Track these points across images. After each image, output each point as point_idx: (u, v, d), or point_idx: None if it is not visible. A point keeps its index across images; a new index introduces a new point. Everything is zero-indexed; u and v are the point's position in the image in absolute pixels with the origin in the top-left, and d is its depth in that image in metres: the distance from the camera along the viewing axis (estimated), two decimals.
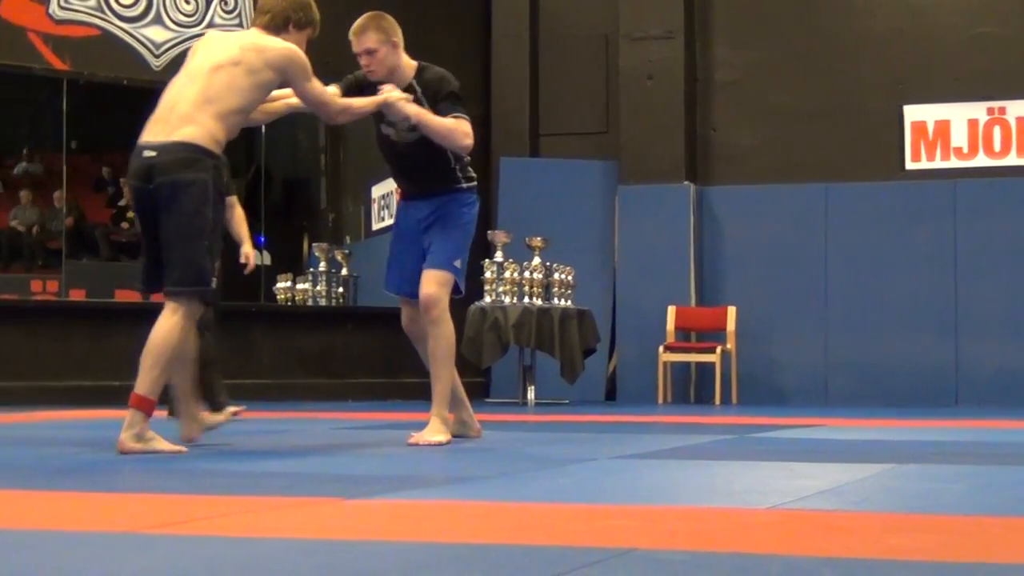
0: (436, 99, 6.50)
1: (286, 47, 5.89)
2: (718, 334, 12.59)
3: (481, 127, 13.56)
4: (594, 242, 13.13)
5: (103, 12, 11.38)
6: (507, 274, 11.70)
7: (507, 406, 11.52)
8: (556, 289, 11.83)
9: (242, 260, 8.33)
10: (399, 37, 6.75)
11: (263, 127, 13.04)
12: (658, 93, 13.01)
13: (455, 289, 6.50)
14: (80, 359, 10.82)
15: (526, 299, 11.70)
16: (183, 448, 5.70)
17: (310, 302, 13.16)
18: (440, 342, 6.48)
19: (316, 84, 6.07)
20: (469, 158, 6.75)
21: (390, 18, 6.83)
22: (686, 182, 12.90)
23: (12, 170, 16.06)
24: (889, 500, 4.21)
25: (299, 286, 13.28)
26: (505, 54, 13.61)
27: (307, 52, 6.11)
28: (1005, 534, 3.39)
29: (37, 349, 10.63)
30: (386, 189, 14.31)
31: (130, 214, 12.83)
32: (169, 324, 5.62)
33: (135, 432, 5.53)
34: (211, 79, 5.72)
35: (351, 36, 6.61)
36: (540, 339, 11.56)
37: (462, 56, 13.47)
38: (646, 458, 5.80)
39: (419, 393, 12.65)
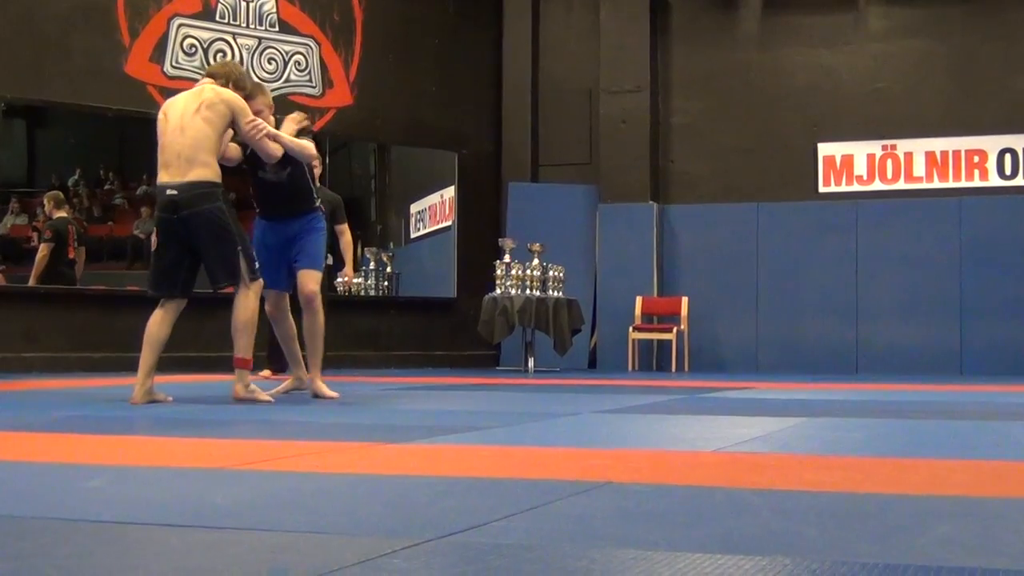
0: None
1: (233, 94, 6.07)
2: (674, 318, 12.58)
3: (493, 159, 13.58)
4: (580, 247, 13.11)
5: (204, 70, 11.36)
6: (513, 272, 11.69)
7: (512, 372, 11.51)
8: (551, 283, 11.82)
9: (339, 278, 8.51)
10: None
11: (327, 160, 13.05)
12: (629, 134, 12.99)
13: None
14: (187, 336, 10.79)
15: (527, 290, 11.68)
16: (272, 399, 6.04)
17: (362, 293, 13.14)
18: (319, 323, 6.55)
19: (257, 125, 6.12)
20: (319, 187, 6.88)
21: (265, 88, 6.82)
22: (651, 202, 12.88)
23: (135, 191, 16.08)
24: (805, 445, 4.19)
25: (354, 280, 13.27)
26: (512, 103, 13.59)
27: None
28: (895, 471, 3.37)
29: None
30: (422, 207, 14.30)
31: None
32: (244, 302, 5.97)
33: (244, 384, 5.92)
34: (194, 125, 5.89)
35: (263, 92, 6.55)
36: (538, 321, 11.56)
37: (479, 105, 13.47)
38: (619, 412, 5.78)
39: (447, 363, 12.69)
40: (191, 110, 5.93)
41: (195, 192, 5.83)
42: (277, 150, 6.20)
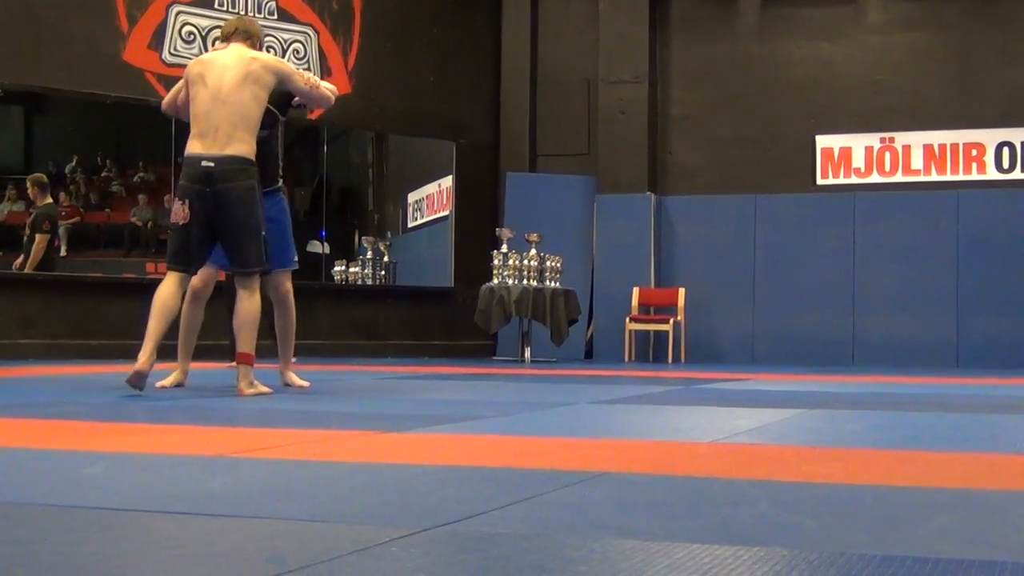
0: None
1: (275, 57, 5.89)
2: (671, 309, 12.58)
3: (491, 149, 13.56)
4: (577, 238, 13.10)
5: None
6: (511, 262, 11.69)
7: (509, 362, 11.52)
8: (548, 273, 11.81)
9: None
10: None
11: (325, 149, 13.05)
12: (628, 124, 12.98)
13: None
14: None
15: (525, 281, 11.68)
16: (270, 390, 5.81)
17: (359, 282, 13.14)
18: (292, 318, 6.37)
19: (300, 77, 5.99)
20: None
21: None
22: (648, 193, 12.87)
23: (133, 178, 16.07)
24: (802, 436, 4.20)
25: (351, 269, 13.28)
26: (511, 93, 13.57)
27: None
28: (892, 463, 3.38)
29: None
30: (419, 196, 14.30)
31: None
32: (250, 299, 5.70)
33: (248, 381, 5.69)
34: (238, 98, 5.62)
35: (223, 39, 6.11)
36: (535, 311, 11.55)
37: (478, 94, 13.46)
38: (616, 403, 5.78)
39: (444, 353, 12.69)
40: (235, 80, 5.63)
41: (232, 167, 5.56)
42: (331, 95, 6.13)
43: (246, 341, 5.69)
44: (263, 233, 5.68)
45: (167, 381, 6.05)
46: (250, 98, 5.64)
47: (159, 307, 5.61)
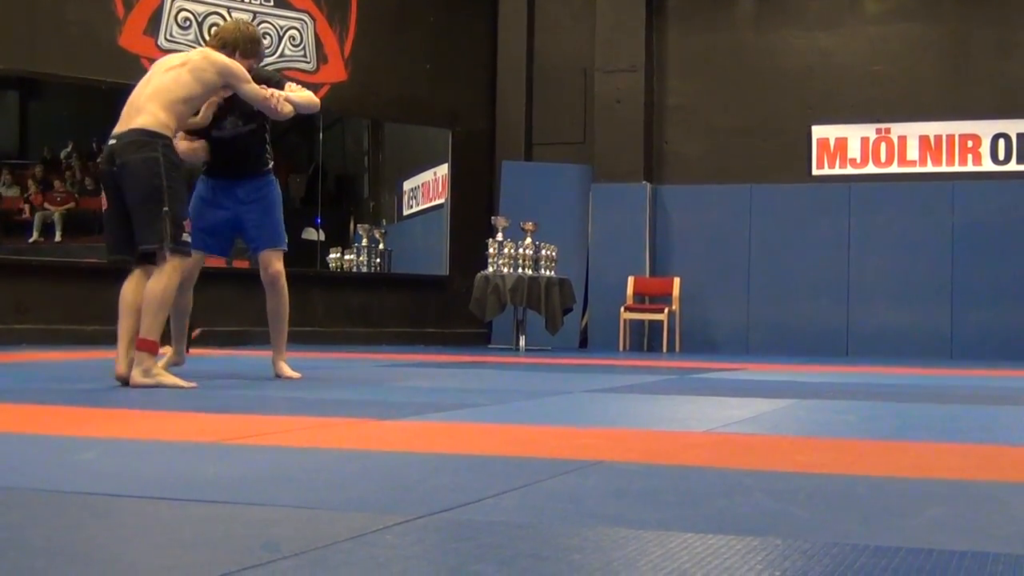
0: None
1: (228, 60, 5.66)
2: (666, 298, 12.59)
3: (487, 137, 13.56)
4: (573, 227, 13.11)
5: (199, 44, 11.31)
6: (506, 250, 11.70)
7: (504, 351, 11.52)
8: (543, 262, 11.82)
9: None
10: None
11: (320, 136, 13.02)
12: (624, 113, 12.97)
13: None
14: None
15: (520, 269, 11.68)
16: (186, 384, 5.28)
17: (355, 269, 13.13)
18: (284, 304, 6.15)
19: (254, 86, 5.70)
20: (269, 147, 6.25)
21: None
22: (644, 182, 12.87)
23: None
24: (796, 426, 4.20)
25: (346, 257, 13.25)
26: (507, 81, 13.56)
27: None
28: (886, 454, 3.38)
29: None
30: (415, 184, 14.28)
31: None
32: (156, 280, 5.32)
33: (143, 369, 5.23)
34: (161, 79, 5.49)
35: (257, 45, 6.05)
36: (530, 300, 11.56)
37: (474, 82, 13.44)
38: (610, 392, 5.79)
39: (439, 340, 12.69)
40: (169, 67, 5.53)
41: (131, 140, 5.32)
42: (290, 111, 5.85)
43: (147, 326, 5.28)
44: (165, 208, 5.29)
45: (160, 363, 5.95)
46: (171, 79, 5.46)
47: (121, 307, 5.42)
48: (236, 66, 5.66)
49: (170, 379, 5.29)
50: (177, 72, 5.50)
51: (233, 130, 6.06)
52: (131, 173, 5.30)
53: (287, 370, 6.15)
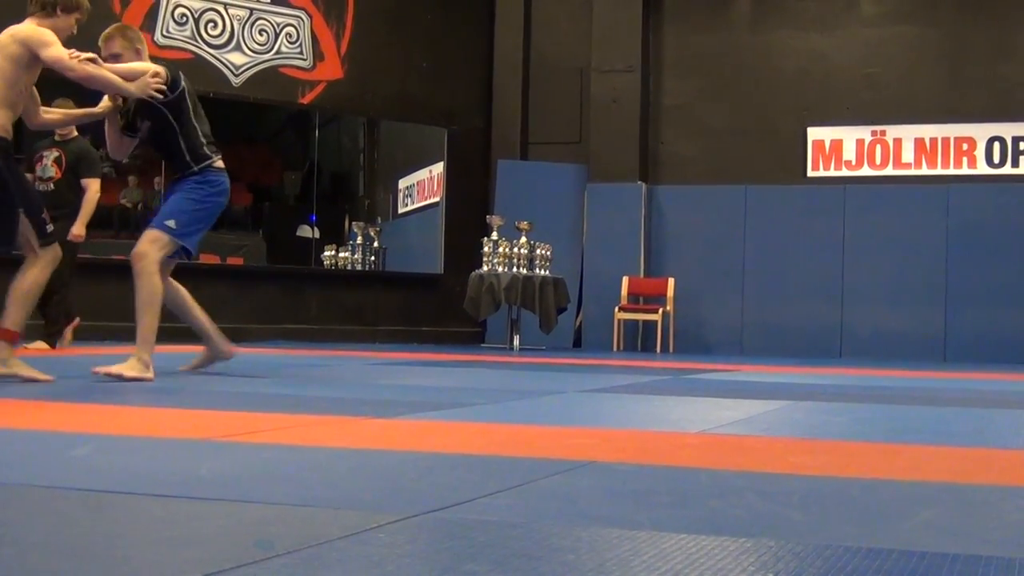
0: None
1: (31, 26, 5.40)
2: (660, 299, 12.59)
3: (483, 136, 13.55)
4: (568, 226, 13.11)
5: (196, 40, 11.32)
6: (500, 249, 11.70)
7: (498, 350, 11.52)
8: (538, 261, 11.82)
9: (69, 236, 7.83)
10: (142, 45, 5.84)
11: (316, 134, 13.02)
12: (620, 113, 12.98)
13: (183, 251, 5.81)
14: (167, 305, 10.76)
15: (514, 268, 11.68)
16: (43, 376, 5.16)
17: (349, 267, 13.12)
18: (145, 290, 5.59)
19: (56, 50, 5.30)
20: (205, 141, 5.84)
21: (135, 29, 6.08)
22: (639, 182, 12.88)
23: (122, 160, 16.01)
24: (789, 428, 4.21)
25: (341, 254, 13.25)
26: (503, 80, 13.56)
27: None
28: (879, 456, 3.39)
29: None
30: (410, 182, 14.28)
31: None
32: (29, 269, 5.31)
33: (0, 358, 5.18)
34: None
35: (100, 43, 5.75)
36: (524, 299, 11.56)
37: (470, 81, 13.44)
38: (604, 392, 5.79)
39: (433, 339, 12.69)
40: None
41: None
42: (100, 74, 5.42)
43: (11, 315, 5.24)
44: (18, 209, 5.25)
45: (195, 363, 6.11)
46: None
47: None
48: (35, 31, 5.38)
49: (26, 370, 5.19)
50: None
51: (145, 132, 5.88)
52: None
53: (115, 368, 5.43)
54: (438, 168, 13.45)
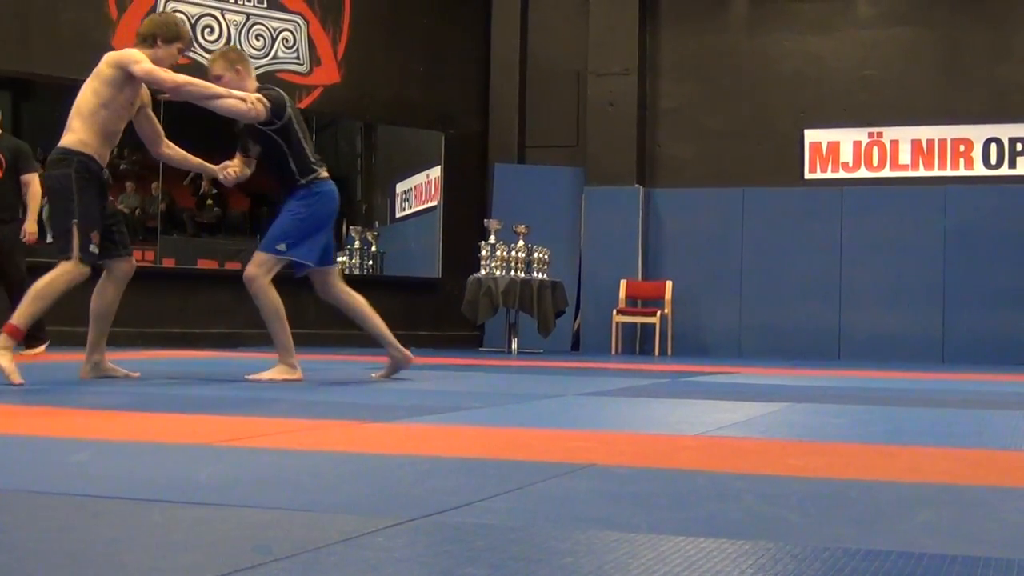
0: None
1: (123, 50, 5.73)
2: (658, 302, 12.59)
3: (480, 139, 13.56)
4: (565, 230, 13.12)
5: (192, 46, 11.31)
6: (498, 253, 11.71)
7: (496, 353, 11.52)
8: (535, 265, 11.83)
9: (23, 237, 8.05)
10: (243, 66, 6.11)
11: (314, 138, 13.02)
12: (617, 117, 12.99)
13: (296, 265, 6.16)
14: (171, 312, 10.78)
15: (512, 272, 11.69)
16: (16, 379, 5.27)
17: (347, 271, 13.11)
18: (264, 308, 6.03)
19: (146, 65, 5.57)
20: (313, 160, 6.24)
21: (238, 51, 6.47)
22: (636, 185, 12.89)
23: (120, 166, 16.02)
24: (788, 430, 4.20)
25: (339, 259, 13.25)
26: (500, 84, 13.57)
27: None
28: (877, 458, 3.39)
29: (138, 303, 10.56)
30: (407, 186, 14.28)
31: (209, 201, 12.80)
32: (54, 272, 5.53)
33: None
34: (80, 94, 5.69)
35: (223, 57, 6.13)
36: (522, 303, 11.57)
37: (467, 85, 13.44)
38: (602, 395, 5.79)
39: (431, 343, 12.67)
40: (88, 81, 5.69)
41: (53, 157, 5.62)
42: (192, 81, 5.70)
43: (20, 314, 5.44)
44: (75, 221, 5.50)
45: (382, 373, 6.62)
46: (89, 91, 5.64)
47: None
48: (126, 51, 5.69)
49: (14, 374, 5.29)
50: (88, 84, 5.67)
51: (257, 152, 6.19)
52: (48, 188, 5.67)
53: (264, 374, 6.06)
54: (435, 172, 13.46)
